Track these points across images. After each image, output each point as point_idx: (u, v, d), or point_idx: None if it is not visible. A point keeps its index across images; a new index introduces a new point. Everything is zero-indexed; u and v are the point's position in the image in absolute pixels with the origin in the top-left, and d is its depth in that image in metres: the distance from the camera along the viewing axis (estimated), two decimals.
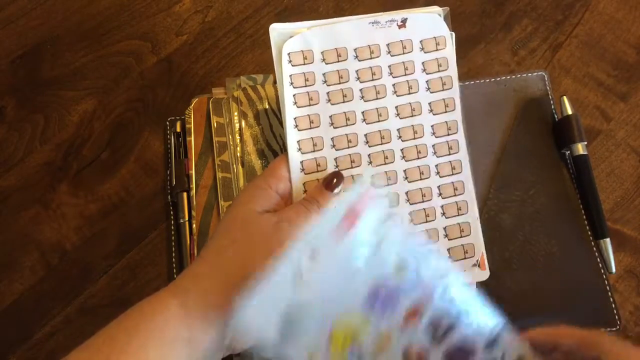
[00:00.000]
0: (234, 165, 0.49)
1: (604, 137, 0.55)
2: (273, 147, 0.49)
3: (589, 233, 0.50)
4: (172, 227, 0.51)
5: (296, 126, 0.42)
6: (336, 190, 0.41)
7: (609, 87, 0.57)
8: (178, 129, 0.53)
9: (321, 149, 0.43)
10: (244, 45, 0.59)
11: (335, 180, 0.41)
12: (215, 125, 0.51)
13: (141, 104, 0.57)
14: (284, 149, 0.49)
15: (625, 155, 0.54)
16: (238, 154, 0.49)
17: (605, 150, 0.55)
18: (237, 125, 0.50)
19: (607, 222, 0.51)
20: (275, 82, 0.52)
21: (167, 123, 0.55)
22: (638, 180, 0.54)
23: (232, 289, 0.36)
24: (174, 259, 0.50)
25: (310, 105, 0.43)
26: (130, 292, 0.49)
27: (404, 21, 0.43)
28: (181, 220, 0.50)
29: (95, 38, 0.60)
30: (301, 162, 0.42)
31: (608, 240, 0.49)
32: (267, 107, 0.51)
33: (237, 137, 0.50)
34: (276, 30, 0.43)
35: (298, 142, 0.42)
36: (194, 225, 0.49)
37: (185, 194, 0.50)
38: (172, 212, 0.51)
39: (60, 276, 0.50)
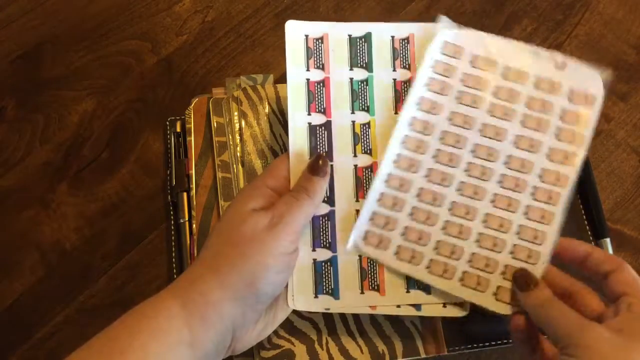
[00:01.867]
0: (234, 165, 0.49)
1: (604, 137, 0.55)
2: (273, 147, 0.49)
3: (589, 233, 0.49)
4: (172, 227, 0.51)
5: (411, 125, 0.43)
6: (322, 174, 0.40)
7: (609, 87, 0.57)
8: (178, 129, 0.53)
9: (423, 153, 0.42)
10: (244, 45, 0.59)
11: (320, 163, 0.40)
12: (215, 125, 0.51)
13: (141, 104, 0.57)
14: (284, 148, 0.49)
15: (625, 155, 0.54)
16: (238, 154, 0.49)
17: (605, 150, 0.55)
18: (237, 125, 0.50)
19: (607, 222, 0.51)
20: (275, 82, 0.52)
21: (167, 123, 0.55)
22: (638, 180, 0.54)
23: (230, 291, 0.36)
24: (174, 259, 0.50)
25: (432, 109, 0.43)
26: (130, 292, 0.49)
27: (563, 64, 0.43)
28: (181, 220, 0.50)
29: (95, 38, 0.60)
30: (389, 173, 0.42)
31: (608, 240, 0.49)
32: (267, 107, 0.51)
33: (237, 137, 0.50)
34: (291, 26, 0.43)
35: (406, 139, 0.43)
36: (194, 225, 0.49)
37: (185, 194, 0.50)
38: (172, 212, 0.51)
39: (60, 276, 0.50)
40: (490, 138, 0.42)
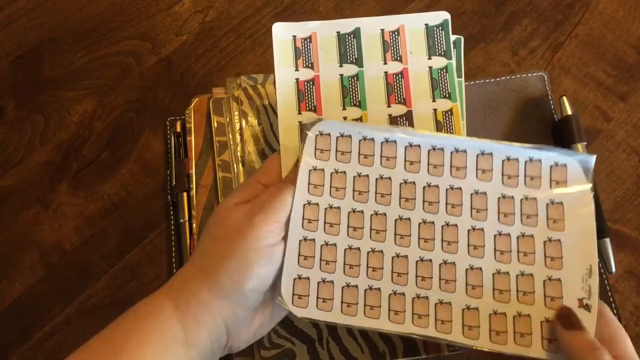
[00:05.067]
0: (235, 165, 0.49)
1: (604, 137, 0.55)
2: (273, 146, 0.49)
3: None
4: (172, 227, 0.51)
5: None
6: None
7: (609, 87, 0.57)
8: (178, 129, 0.53)
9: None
10: (244, 45, 0.59)
11: None
12: (215, 125, 0.51)
13: (141, 104, 0.57)
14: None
15: (625, 155, 0.54)
16: (238, 154, 0.49)
17: (605, 150, 0.55)
18: (237, 125, 0.50)
19: (607, 222, 0.51)
20: (275, 82, 0.52)
21: (167, 123, 0.55)
22: (638, 180, 0.54)
23: (218, 290, 0.36)
24: (174, 259, 0.50)
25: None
26: (130, 292, 0.49)
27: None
28: (181, 220, 0.50)
29: (95, 38, 0.60)
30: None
31: (608, 240, 0.49)
32: (267, 106, 0.51)
33: (238, 136, 0.50)
34: (278, 28, 0.43)
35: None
36: (194, 225, 0.49)
37: (185, 194, 0.50)
38: (172, 212, 0.51)
39: (60, 276, 0.50)
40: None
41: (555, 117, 0.53)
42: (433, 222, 0.39)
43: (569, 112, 0.52)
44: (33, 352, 0.48)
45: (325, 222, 0.39)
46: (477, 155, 0.40)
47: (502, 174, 0.40)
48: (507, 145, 0.40)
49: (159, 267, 0.50)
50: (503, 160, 0.40)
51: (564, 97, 0.53)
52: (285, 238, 0.38)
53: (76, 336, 0.48)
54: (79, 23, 0.61)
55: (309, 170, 0.40)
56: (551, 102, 0.54)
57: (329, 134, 0.41)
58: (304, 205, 0.39)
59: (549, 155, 0.40)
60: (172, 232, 0.51)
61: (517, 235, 0.38)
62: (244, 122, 0.50)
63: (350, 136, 0.41)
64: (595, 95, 0.57)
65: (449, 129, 0.44)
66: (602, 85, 0.57)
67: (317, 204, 0.40)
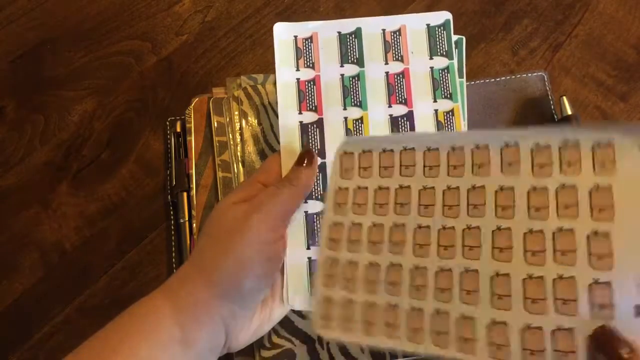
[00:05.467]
0: (235, 165, 0.49)
1: None
2: (273, 146, 0.49)
3: None
4: (172, 227, 0.51)
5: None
6: (307, 163, 0.40)
7: (609, 87, 0.57)
8: (178, 129, 0.53)
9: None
10: (244, 45, 0.59)
11: (305, 153, 0.40)
12: (215, 124, 0.51)
13: (141, 104, 0.57)
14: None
15: None
16: (238, 154, 0.49)
17: None
18: (237, 125, 0.50)
19: None
20: (275, 82, 0.52)
21: (167, 123, 0.55)
22: None
23: (216, 289, 0.36)
24: (174, 259, 0.50)
25: None
26: (130, 292, 0.49)
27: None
28: (181, 220, 0.50)
29: (95, 38, 0.60)
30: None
31: None
32: (267, 106, 0.51)
33: (238, 136, 0.50)
34: (279, 28, 0.43)
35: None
36: (194, 225, 0.49)
37: (185, 194, 0.50)
38: (172, 212, 0.51)
39: (60, 276, 0.50)
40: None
41: (555, 117, 0.53)
42: (453, 227, 0.35)
43: (569, 112, 0.52)
44: (33, 352, 0.48)
45: (348, 241, 0.38)
46: (502, 149, 0.35)
47: (532, 164, 0.34)
48: (535, 132, 0.34)
49: (159, 267, 0.50)
50: (532, 149, 0.34)
51: (564, 97, 0.53)
52: (283, 237, 0.39)
53: (76, 336, 0.48)
54: (79, 23, 0.61)
55: (335, 191, 0.39)
56: (551, 102, 0.54)
57: (352, 153, 0.40)
58: (329, 226, 0.38)
59: (590, 135, 0.32)
60: (172, 232, 0.51)
61: (553, 231, 0.32)
62: (244, 122, 0.50)
63: (370, 151, 0.39)
64: (595, 95, 0.57)
65: (449, 130, 0.43)
66: (602, 85, 0.57)
67: (342, 223, 0.38)
